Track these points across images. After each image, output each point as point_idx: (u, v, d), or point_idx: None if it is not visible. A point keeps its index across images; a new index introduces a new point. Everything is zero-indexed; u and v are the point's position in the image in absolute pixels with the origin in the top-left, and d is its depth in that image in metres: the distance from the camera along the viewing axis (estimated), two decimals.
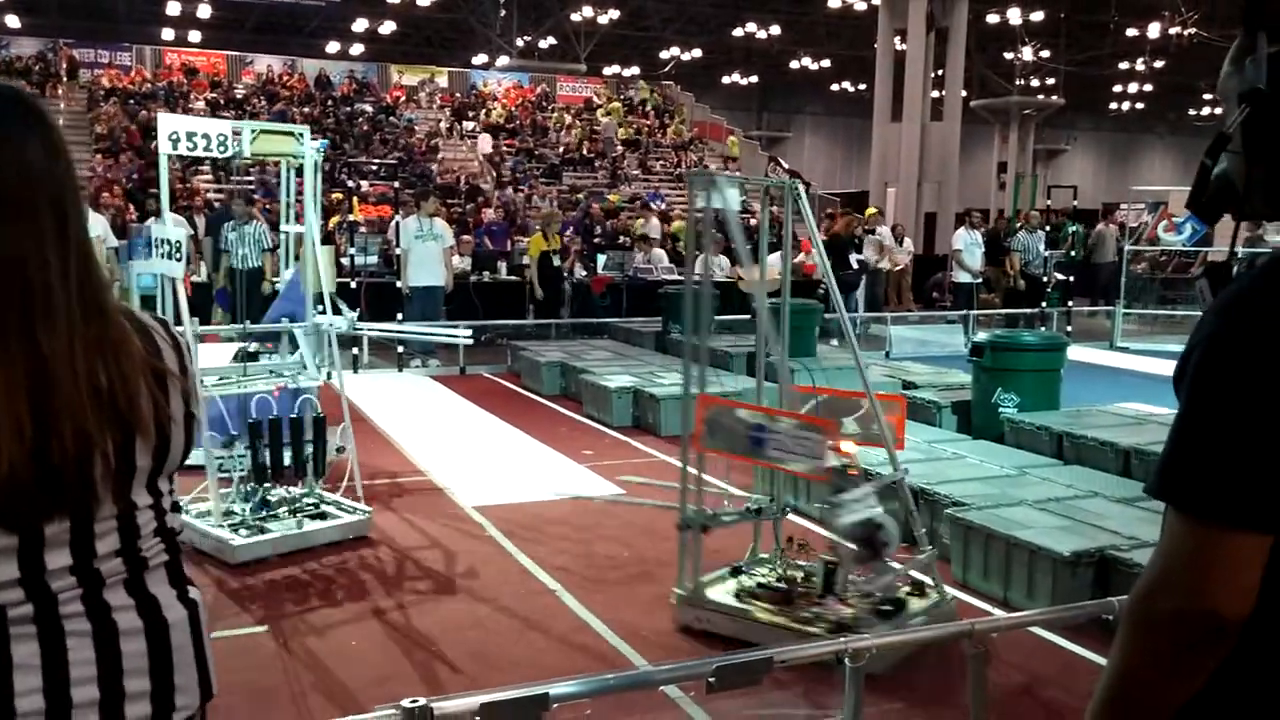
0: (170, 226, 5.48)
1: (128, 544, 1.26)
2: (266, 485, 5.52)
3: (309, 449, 5.62)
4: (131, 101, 22.57)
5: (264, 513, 5.43)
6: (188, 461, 1.42)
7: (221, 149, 5.38)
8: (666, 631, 4.35)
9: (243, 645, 4.17)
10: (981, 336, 7.59)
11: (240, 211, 11.76)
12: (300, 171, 6.02)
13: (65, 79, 23.69)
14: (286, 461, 5.57)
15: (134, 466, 1.24)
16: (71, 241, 1.22)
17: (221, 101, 23.58)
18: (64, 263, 1.20)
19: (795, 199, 4.61)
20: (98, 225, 10.91)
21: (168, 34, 27.26)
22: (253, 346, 6.22)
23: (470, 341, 8.98)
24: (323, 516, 5.61)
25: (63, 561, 1.20)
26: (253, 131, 5.58)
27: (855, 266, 13.93)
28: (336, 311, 6.12)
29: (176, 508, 1.37)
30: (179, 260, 5.22)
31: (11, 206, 1.18)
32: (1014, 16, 26.28)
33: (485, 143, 24.97)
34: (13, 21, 25.47)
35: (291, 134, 5.91)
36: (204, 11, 25.51)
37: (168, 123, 5.32)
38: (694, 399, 4.51)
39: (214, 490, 5.25)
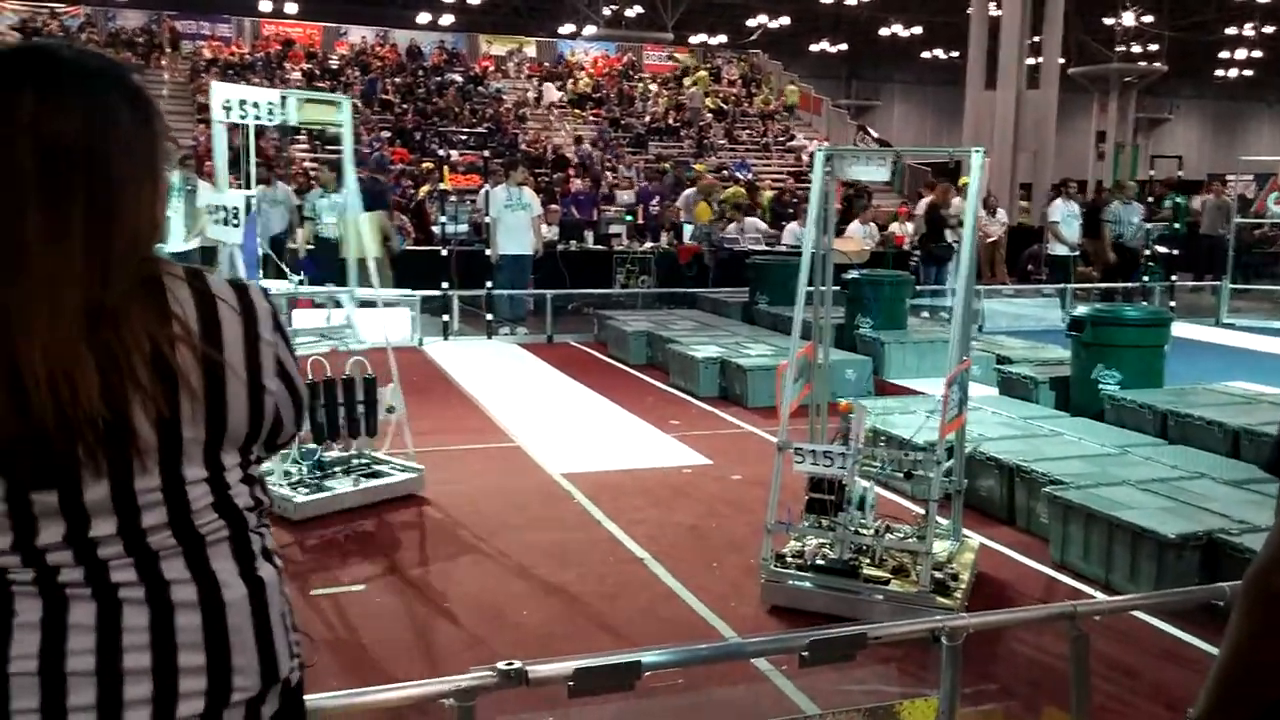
0: (230, 193, 5.58)
1: (178, 518, 1.24)
2: (320, 446, 5.65)
3: (360, 409, 5.71)
4: (231, 72, 23.13)
5: (320, 472, 5.60)
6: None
7: (270, 116, 5.50)
8: (755, 602, 4.33)
9: (339, 603, 4.28)
10: (1081, 311, 7.34)
11: (327, 180, 12.00)
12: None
13: (169, 50, 24.39)
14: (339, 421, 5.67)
15: (179, 437, 1.22)
16: (79, 202, 1.18)
17: (317, 72, 24.03)
18: (55, 222, 1.16)
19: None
20: (205, 194, 11.22)
21: (265, 5, 27.82)
22: None
23: (416, 297, 9.31)
24: (376, 475, 5.74)
25: (108, 530, 1.19)
26: (298, 101, 5.70)
27: (949, 240, 13.63)
28: (281, 275, 6.22)
29: (250, 480, 1.33)
30: (236, 226, 5.30)
31: (22, 174, 1.15)
32: None
33: (551, 92, 25.21)
34: None
35: (333, 103, 6.02)
36: None
37: (221, 91, 5.48)
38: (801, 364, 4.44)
39: None
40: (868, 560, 4.27)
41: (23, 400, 1.13)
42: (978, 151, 4.30)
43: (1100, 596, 4.30)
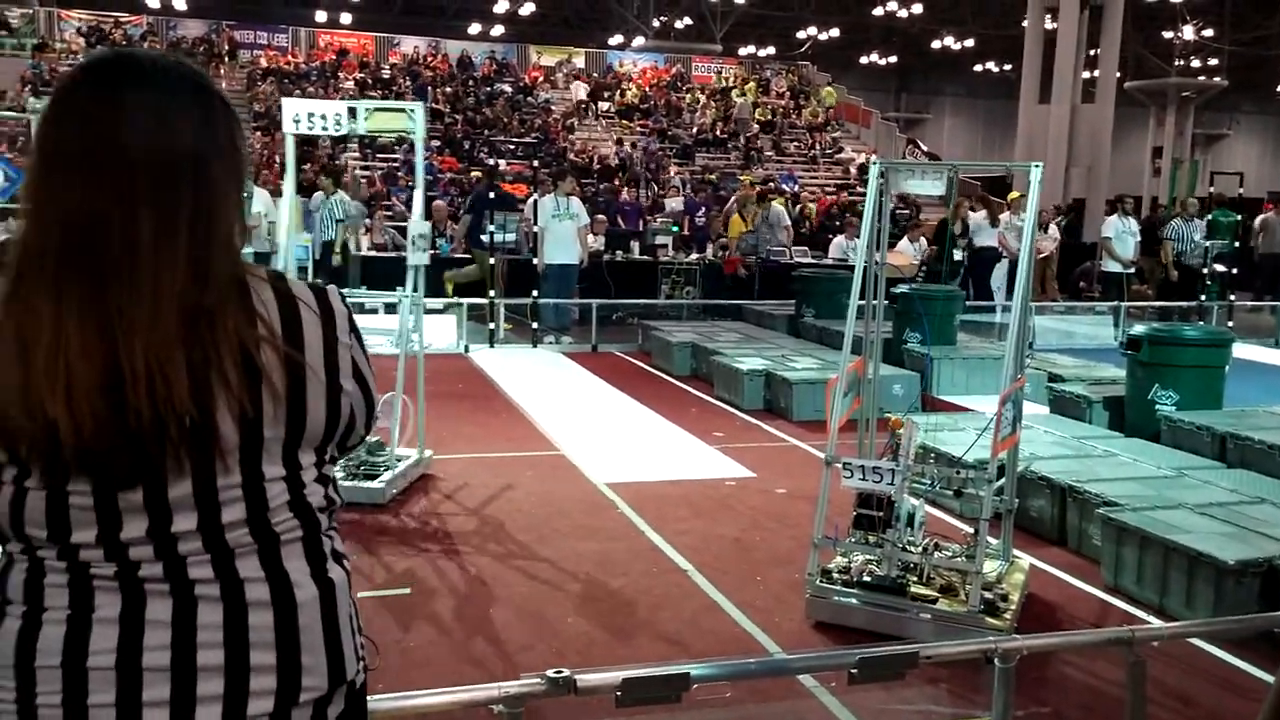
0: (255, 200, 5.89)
1: (255, 516, 1.26)
2: None
3: None
4: (286, 81, 23.53)
5: None
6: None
7: (338, 127, 5.78)
8: (799, 617, 4.29)
9: (384, 606, 4.30)
10: (1138, 329, 7.19)
11: (326, 185, 12.21)
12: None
13: (227, 60, 24.86)
14: None
15: (260, 435, 1.24)
16: (185, 206, 1.22)
17: (369, 81, 24.35)
18: (165, 224, 1.20)
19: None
20: (259, 201, 11.39)
21: (321, 16, 28.29)
22: None
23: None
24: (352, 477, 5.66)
25: (188, 525, 1.22)
26: (366, 110, 5.95)
27: (958, 257, 13.49)
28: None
29: (325, 480, 1.35)
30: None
31: (91, 161, 1.19)
32: None
33: (579, 90, 25.46)
34: (180, 4, 26.89)
35: (404, 110, 6.18)
36: None
37: (290, 106, 5.87)
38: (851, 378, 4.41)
39: None
40: (915, 578, 4.22)
41: (118, 399, 1.16)
42: (1036, 167, 4.25)
43: (1155, 622, 4.21)
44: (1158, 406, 6.70)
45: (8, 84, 21.05)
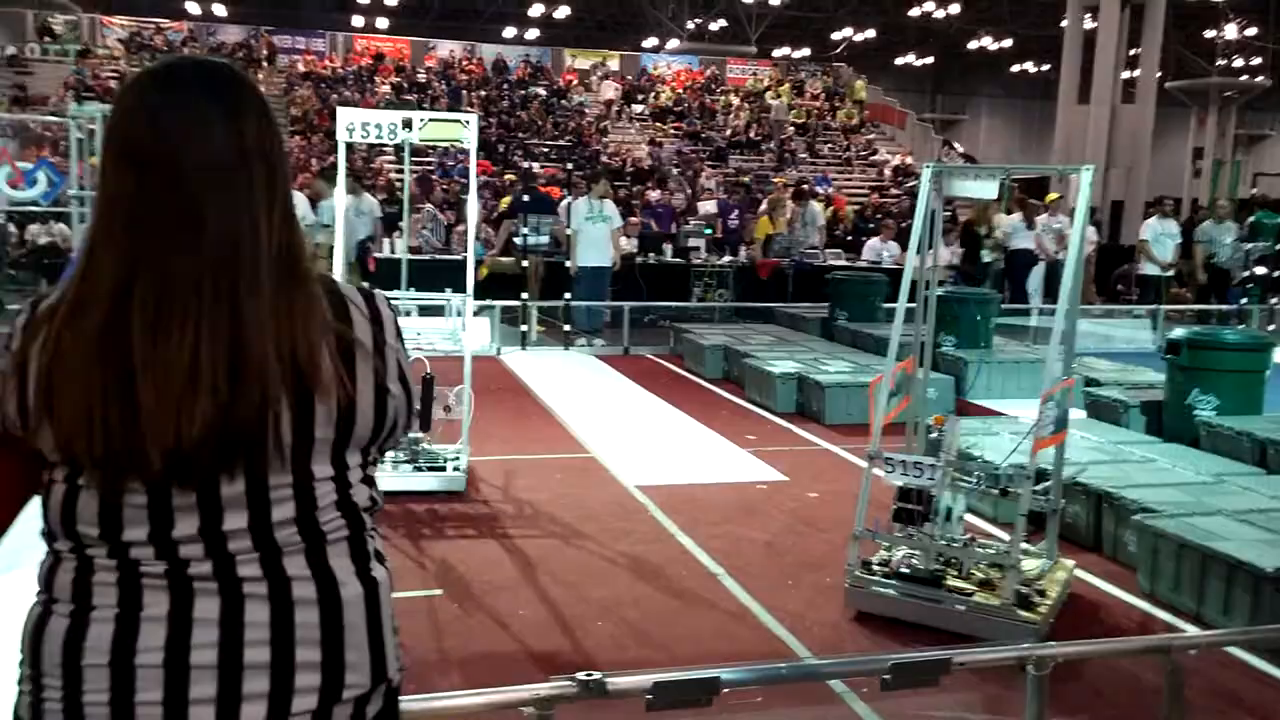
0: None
1: (304, 514, 1.28)
2: None
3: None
4: (323, 85, 23.77)
5: None
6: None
7: (392, 136, 5.87)
8: (830, 623, 4.28)
9: (413, 607, 4.31)
10: (1178, 333, 7.08)
11: (322, 189, 12.23)
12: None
13: (265, 64, 25.18)
14: None
15: (312, 436, 1.26)
16: (278, 210, 1.27)
17: (405, 85, 24.54)
18: (271, 230, 1.25)
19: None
20: (298, 203, 11.50)
21: (358, 21, 28.57)
22: None
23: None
24: (420, 469, 5.84)
25: (239, 524, 1.24)
26: (421, 120, 6.07)
27: (987, 260, 13.33)
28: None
29: (369, 481, 1.37)
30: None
31: (229, 176, 1.24)
32: None
33: (609, 89, 25.53)
34: (220, 10, 27.28)
35: (458, 121, 6.31)
36: None
37: (345, 115, 5.96)
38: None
39: None
40: (954, 573, 4.23)
41: (191, 400, 1.19)
42: (1087, 169, 4.22)
43: (1192, 630, 4.15)
44: (1197, 411, 6.60)
45: (51, 89, 21.45)
